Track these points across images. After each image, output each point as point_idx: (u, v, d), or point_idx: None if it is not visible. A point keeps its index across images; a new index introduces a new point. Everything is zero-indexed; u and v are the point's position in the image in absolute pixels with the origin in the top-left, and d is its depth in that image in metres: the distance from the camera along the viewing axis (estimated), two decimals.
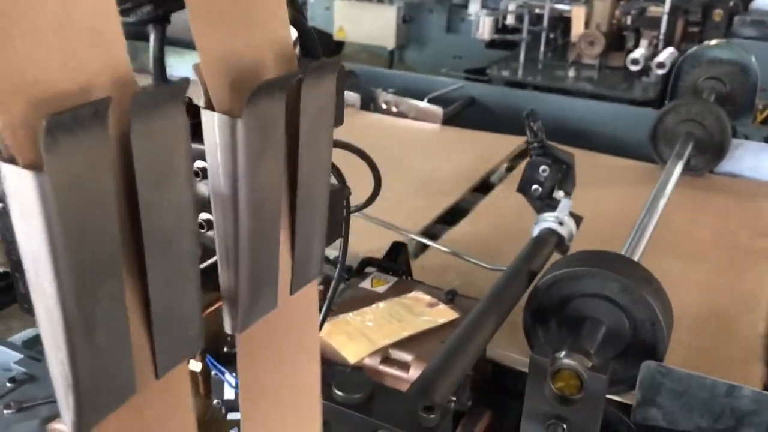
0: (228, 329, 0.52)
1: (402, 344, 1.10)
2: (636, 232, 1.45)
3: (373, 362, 1.08)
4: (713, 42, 2.62)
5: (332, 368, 1.00)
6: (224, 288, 0.51)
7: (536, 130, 1.34)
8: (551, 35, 4.67)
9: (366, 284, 1.25)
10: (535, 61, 4.63)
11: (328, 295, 1.01)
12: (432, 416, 0.81)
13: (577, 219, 1.38)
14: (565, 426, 1.02)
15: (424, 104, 2.57)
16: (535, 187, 1.36)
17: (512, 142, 2.48)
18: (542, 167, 1.34)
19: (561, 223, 1.35)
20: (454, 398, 1.11)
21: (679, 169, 1.83)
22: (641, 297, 1.11)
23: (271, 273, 0.52)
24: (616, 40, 4.33)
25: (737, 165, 2.14)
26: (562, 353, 1.00)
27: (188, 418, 0.49)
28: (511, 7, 4.62)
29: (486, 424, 1.15)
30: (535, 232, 1.36)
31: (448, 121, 2.75)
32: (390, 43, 4.92)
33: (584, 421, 1.01)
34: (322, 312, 1.01)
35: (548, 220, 1.35)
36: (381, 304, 1.18)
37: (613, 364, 1.17)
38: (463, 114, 2.92)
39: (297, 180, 0.52)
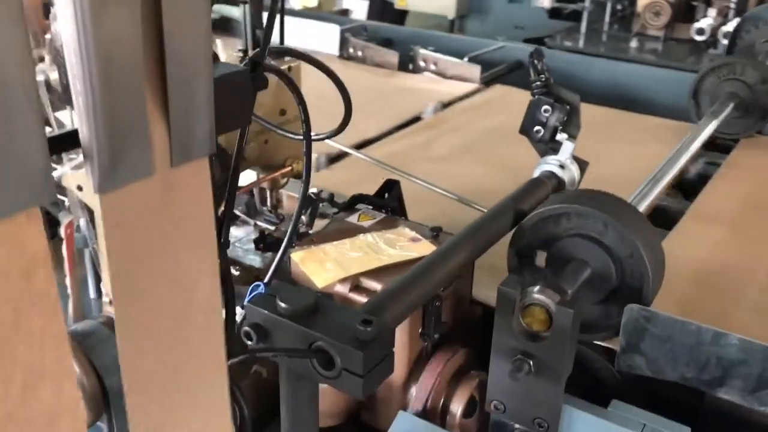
0: (92, 188, 0.51)
1: (374, 274, 1.08)
2: (648, 182, 1.38)
3: (343, 289, 1.07)
4: None
5: (279, 283, 0.98)
6: (84, 142, 0.50)
7: (540, 69, 1.28)
8: (618, 5, 4.51)
9: (353, 219, 1.24)
10: (598, 32, 4.47)
11: (293, 217, 1.01)
12: (368, 329, 0.79)
13: (582, 164, 1.32)
14: (531, 362, 0.98)
15: (461, 62, 2.51)
16: (537, 128, 1.30)
17: None
18: (544, 107, 1.28)
19: (562, 167, 1.29)
20: (425, 332, 1.09)
21: (711, 127, 1.73)
22: (629, 240, 1.05)
23: (135, 132, 0.51)
24: (685, 11, 4.13)
25: None
26: (535, 288, 0.96)
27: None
28: None
29: (460, 362, 1.12)
30: (536, 174, 1.31)
31: (490, 82, 2.69)
32: (450, 12, 4.84)
33: (551, 358, 0.97)
34: (288, 234, 1.00)
35: (549, 163, 1.30)
36: (362, 236, 1.17)
37: (599, 309, 1.12)
38: (508, 77, 2.85)
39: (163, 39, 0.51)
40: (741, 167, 1.84)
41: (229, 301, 0.84)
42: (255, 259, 1.36)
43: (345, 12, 7.36)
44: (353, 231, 1.20)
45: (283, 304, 0.83)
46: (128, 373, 0.57)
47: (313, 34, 2.77)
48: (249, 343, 0.85)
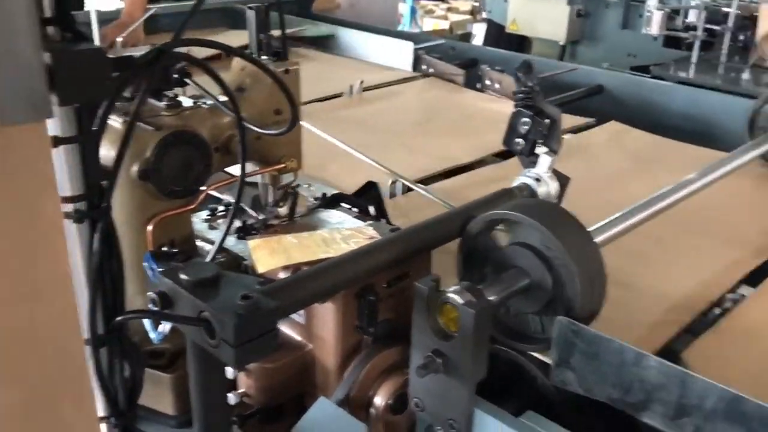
0: None
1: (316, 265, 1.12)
2: (640, 205, 1.34)
3: (284, 276, 1.13)
4: None
5: (193, 259, 1.06)
6: None
7: (525, 82, 1.29)
8: (740, 35, 4.27)
9: (323, 215, 1.29)
10: (710, 63, 4.26)
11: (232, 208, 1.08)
12: (244, 303, 0.85)
13: (563, 179, 1.31)
14: (441, 361, 0.99)
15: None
16: (518, 140, 1.31)
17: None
18: (523, 119, 1.28)
19: (538, 180, 1.28)
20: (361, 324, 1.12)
21: (745, 158, 1.63)
22: (561, 250, 1.03)
23: None
24: None
25: None
26: (453, 288, 0.98)
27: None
28: (695, 1, 4.28)
29: (395, 357, 1.14)
30: (513, 185, 1.31)
31: (561, 106, 2.64)
32: (561, 37, 4.78)
33: (458, 357, 0.98)
34: (227, 222, 1.08)
35: (526, 175, 1.29)
36: (322, 231, 1.22)
37: (535, 319, 1.11)
38: (586, 102, 2.80)
39: None
40: None
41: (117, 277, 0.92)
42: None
43: (468, 35, 7.44)
44: (321, 226, 1.26)
45: (184, 276, 0.91)
46: None
47: (389, 50, 2.86)
48: (153, 308, 0.93)
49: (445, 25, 8.85)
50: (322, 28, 3.17)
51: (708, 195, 1.57)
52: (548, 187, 1.29)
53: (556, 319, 1.03)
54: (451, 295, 0.97)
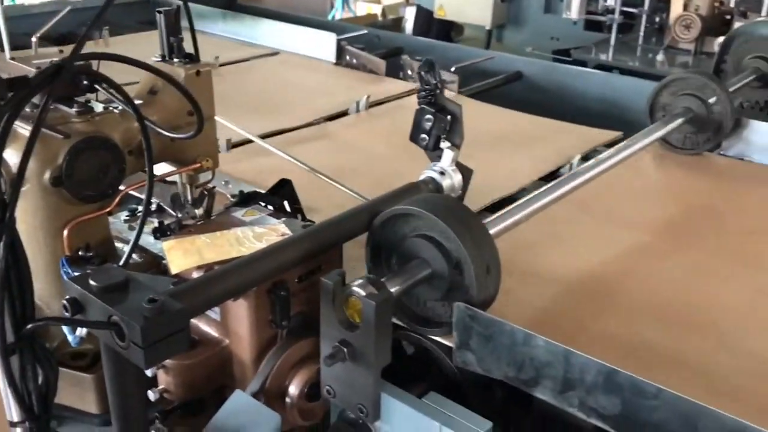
0: None
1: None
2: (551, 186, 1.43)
3: (198, 276, 1.17)
4: (763, 18, 2.42)
5: (106, 263, 1.09)
6: None
7: (427, 80, 1.35)
8: (656, 18, 4.44)
9: (238, 213, 1.34)
10: (628, 45, 4.43)
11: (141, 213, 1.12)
12: (150, 306, 0.89)
13: (466, 171, 1.38)
14: (346, 350, 1.05)
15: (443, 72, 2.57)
16: (422, 136, 1.37)
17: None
18: (426, 116, 1.35)
19: (443, 173, 1.35)
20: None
21: (644, 141, 1.73)
22: (456, 241, 1.10)
23: None
24: (719, 25, 4.04)
25: (745, 147, 1.98)
26: (357, 281, 1.04)
27: None
28: None
29: (308, 349, 1.20)
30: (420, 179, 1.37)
31: (480, 93, 2.73)
32: (487, 22, 4.88)
33: (363, 346, 1.04)
34: (138, 225, 1.11)
35: (431, 169, 1.36)
36: (235, 230, 1.26)
37: (441, 306, 1.18)
38: (507, 89, 2.89)
39: None
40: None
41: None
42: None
43: (399, 20, 7.48)
44: (234, 224, 1.30)
45: (93, 282, 0.94)
46: None
47: (311, 42, 2.90)
48: (66, 314, 0.96)
49: (378, 9, 8.87)
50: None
51: (609, 178, 1.66)
52: (452, 180, 1.36)
53: (455, 305, 1.11)
54: (354, 288, 1.03)
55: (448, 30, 5.88)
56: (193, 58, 1.40)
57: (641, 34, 4.40)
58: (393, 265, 1.22)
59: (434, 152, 1.38)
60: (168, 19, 1.40)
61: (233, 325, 1.18)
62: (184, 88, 1.18)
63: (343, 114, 2.36)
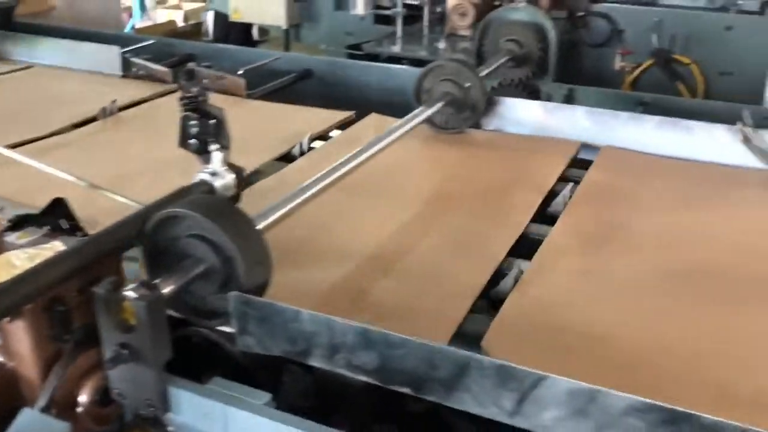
0: None
1: None
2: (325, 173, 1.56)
3: None
4: (513, 5, 2.71)
5: None
6: None
7: (189, 88, 1.42)
8: (438, 9, 4.74)
9: (11, 238, 1.34)
10: (416, 35, 4.70)
11: None
12: None
13: (238, 170, 1.47)
14: (127, 352, 1.11)
15: (229, 76, 2.65)
16: (190, 141, 1.44)
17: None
18: (191, 122, 1.42)
19: (215, 174, 1.44)
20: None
21: (411, 124, 1.92)
22: (224, 237, 1.19)
23: None
24: (491, 10, 4.39)
25: (500, 121, 2.23)
26: (130, 286, 1.10)
27: None
28: None
29: (95, 358, 1.23)
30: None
31: (272, 94, 2.82)
32: (282, 22, 4.98)
33: (142, 345, 1.11)
34: None
35: (203, 171, 1.44)
36: (7, 253, 1.27)
37: (218, 299, 1.27)
38: (298, 87, 3.00)
39: None
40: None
41: None
42: None
43: (200, 26, 7.39)
44: (9, 249, 1.30)
45: None
46: None
47: (94, 57, 2.86)
48: None
49: (179, 15, 8.69)
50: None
51: (382, 160, 1.82)
52: (225, 180, 1.44)
53: (228, 295, 1.20)
54: (126, 293, 1.09)
55: (248, 32, 5.91)
56: None
57: (426, 24, 4.69)
58: (171, 267, 1.28)
59: (204, 155, 1.46)
60: None
61: (14, 346, 1.20)
62: None
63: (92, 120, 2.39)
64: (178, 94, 1.44)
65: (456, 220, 1.78)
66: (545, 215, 1.82)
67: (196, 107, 1.43)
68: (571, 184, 1.92)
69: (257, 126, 2.38)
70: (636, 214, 1.78)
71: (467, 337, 1.36)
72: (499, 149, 2.14)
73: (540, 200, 1.85)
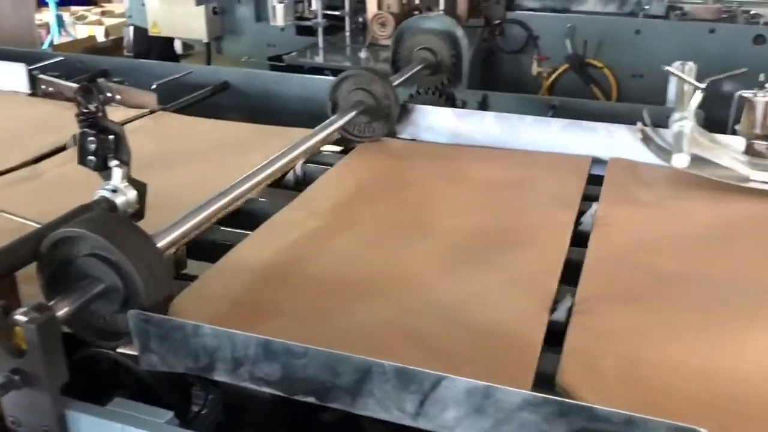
0: None
1: None
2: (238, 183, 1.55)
3: None
4: (427, 13, 2.74)
5: None
6: None
7: (85, 104, 1.39)
8: (359, 19, 4.78)
9: None
10: (339, 45, 4.73)
11: None
12: None
13: (140, 186, 1.45)
14: (18, 378, 1.08)
15: (142, 91, 2.61)
16: (90, 158, 1.41)
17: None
18: (89, 138, 1.40)
19: (115, 191, 1.41)
20: None
21: (323, 134, 1.93)
22: (121, 256, 1.17)
23: None
24: None
25: (414, 129, 2.26)
26: (21, 310, 1.07)
27: None
28: None
29: None
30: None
31: (188, 107, 2.78)
32: (203, 35, 4.93)
33: (35, 370, 1.08)
34: None
35: (104, 188, 1.41)
36: None
37: (121, 318, 1.24)
38: (215, 99, 2.97)
39: None
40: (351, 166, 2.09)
41: None
42: None
43: (120, 41, 7.23)
44: None
45: None
46: None
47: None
48: None
49: (100, 30, 8.50)
50: None
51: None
52: (126, 196, 1.42)
53: (128, 314, 1.18)
54: (15, 317, 1.06)
55: (170, 47, 5.84)
56: None
57: (347, 34, 4.72)
58: (69, 287, 1.25)
59: (105, 172, 1.43)
60: None
61: None
62: None
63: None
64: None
65: (495, 250, 1.64)
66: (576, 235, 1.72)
67: (93, 123, 1.40)
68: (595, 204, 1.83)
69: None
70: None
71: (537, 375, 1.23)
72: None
73: (573, 220, 1.76)
